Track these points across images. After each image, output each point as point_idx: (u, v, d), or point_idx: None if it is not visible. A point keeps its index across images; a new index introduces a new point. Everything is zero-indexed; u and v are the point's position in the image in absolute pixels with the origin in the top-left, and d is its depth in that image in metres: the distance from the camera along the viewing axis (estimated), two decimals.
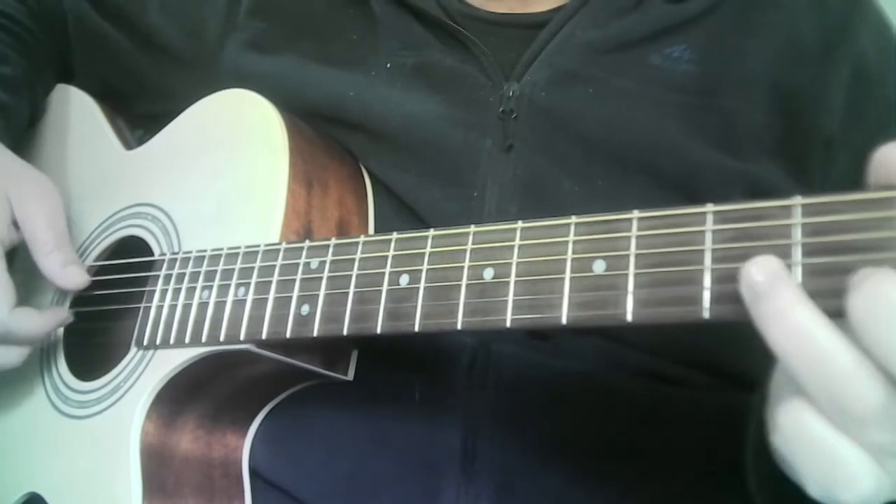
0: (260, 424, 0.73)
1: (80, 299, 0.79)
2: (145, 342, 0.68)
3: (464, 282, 0.53)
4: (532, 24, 0.75)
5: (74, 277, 0.75)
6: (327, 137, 0.75)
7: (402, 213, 0.73)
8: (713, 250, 0.45)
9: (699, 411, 0.69)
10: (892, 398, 0.37)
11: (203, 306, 0.65)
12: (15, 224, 0.74)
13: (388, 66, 0.76)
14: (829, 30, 0.73)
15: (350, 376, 0.69)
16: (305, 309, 0.60)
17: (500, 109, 0.72)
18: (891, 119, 0.72)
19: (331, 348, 0.67)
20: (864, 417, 0.38)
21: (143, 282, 0.72)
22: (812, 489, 0.40)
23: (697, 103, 0.71)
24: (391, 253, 0.57)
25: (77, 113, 0.91)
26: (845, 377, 0.38)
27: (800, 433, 0.39)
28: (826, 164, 0.72)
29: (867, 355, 0.38)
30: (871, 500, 0.39)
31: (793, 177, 0.71)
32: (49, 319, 0.74)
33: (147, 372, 0.68)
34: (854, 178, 0.70)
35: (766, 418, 0.44)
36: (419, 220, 0.72)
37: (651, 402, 0.69)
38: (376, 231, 0.73)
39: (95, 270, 0.79)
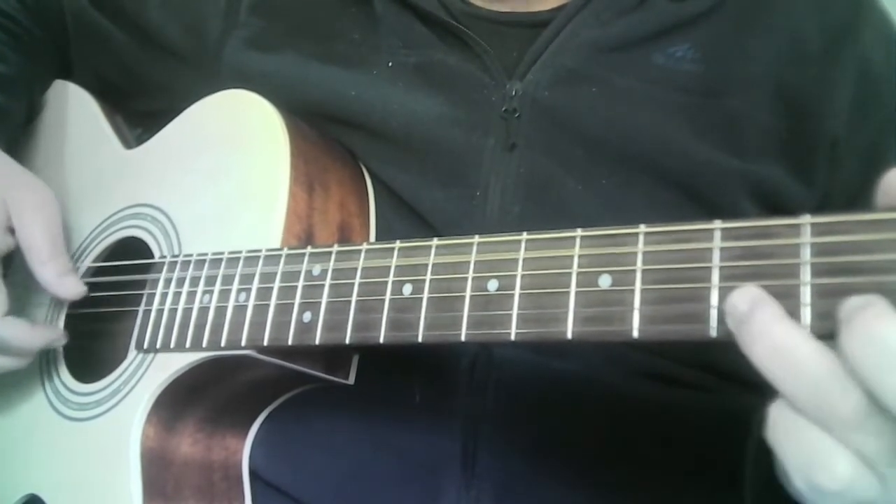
0: (260, 426, 0.73)
1: (80, 301, 0.78)
2: (145, 345, 0.68)
3: (468, 293, 0.53)
4: (535, 24, 0.75)
5: (71, 287, 0.74)
6: (328, 138, 0.75)
7: (403, 213, 0.73)
8: (721, 268, 0.44)
9: (702, 413, 0.69)
10: (872, 410, 0.38)
11: (204, 311, 0.65)
12: (11, 230, 0.74)
13: (390, 64, 0.76)
14: (833, 31, 0.72)
15: (351, 381, 0.68)
16: (307, 316, 0.59)
17: (503, 109, 0.71)
18: (895, 120, 0.72)
19: (332, 353, 0.66)
20: (846, 422, 0.39)
21: (143, 284, 0.71)
22: (794, 478, 0.41)
23: (701, 103, 0.71)
24: (394, 262, 0.57)
25: (75, 110, 0.90)
26: (824, 383, 0.39)
27: (784, 426, 0.41)
28: (831, 166, 0.71)
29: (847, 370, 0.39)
30: (850, 487, 0.40)
31: (797, 177, 0.71)
32: (40, 335, 0.74)
33: (147, 375, 0.68)
34: (860, 179, 0.70)
35: None
36: (420, 221, 0.72)
37: (653, 404, 0.69)
38: (377, 233, 0.73)
39: (94, 271, 0.78)
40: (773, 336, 0.41)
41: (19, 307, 0.74)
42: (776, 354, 0.41)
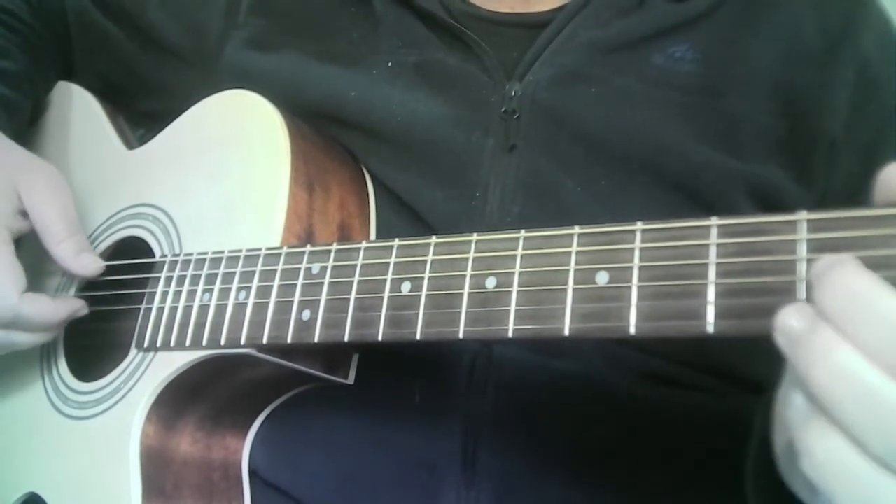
0: (260, 426, 0.73)
1: (81, 298, 0.78)
2: (145, 344, 0.68)
3: (466, 290, 0.53)
4: (534, 24, 0.75)
5: (89, 264, 0.75)
6: (328, 138, 0.75)
7: (403, 213, 0.73)
8: (717, 264, 0.44)
9: (701, 414, 0.69)
10: None
11: (204, 309, 0.65)
12: (23, 214, 0.74)
13: (390, 64, 0.76)
14: (832, 30, 0.73)
15: (350, 380, 0.68)
16: (307, 314, 0.59)
17: (503, 109, 0.71)
18: (894, 120, 0.72)
19: (332, 352, 0.67)
20: None
21: (143, 283, 0.71)
22: None
23: (700, 103, 0.71)
24: (393, 260, 0.57)
25: (78, 111, 0.91)
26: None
27: (841, 468, 0.37)
28: (830, 165, 0.71)
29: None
30: None
31: (796, 177, 0.71)
32: (62, 306, 0.73)
33: (147, 374, 0.68)
34: (858, 179, 0.71)
35: (776, 436, 0.43)
36: (420, 221, 0.72)
37: (652, 405, 0.69)
38: (377, 233, 0.73)
39: None
40: (837, 359, 0.36)
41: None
42: (841, 380, 0.36)
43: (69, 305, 0.75)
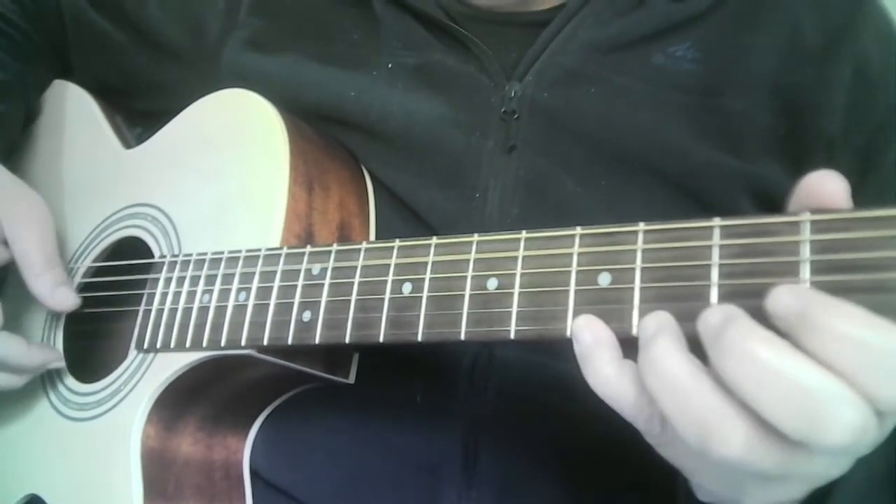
0: (261, 426, 0.73)
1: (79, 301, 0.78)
2: (145, 345, 0.68)
3: (467, 292, 0.53)
4: (534, 24, 0.75)
5: (64, 300, 0.74)
6: (328, 138, 0.75)
7: (403, 214, 0.73)
8: (720, 266, 0.44)
9: None
10: (755, 439, 0.39)
11: (203, 310, 0.65)
12: (5, 243, 0.74)
13: (390, 66, 0.76)
14: (832, 29, 0.72)
15: (351, 380, 0.68)
16: (307, 315, 0.59)
17: (502, 110, 0.71)
18: (892, 120, 0.72)
19: (332, 352, 0.67)
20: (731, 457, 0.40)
21: (143, 284, 0.71)
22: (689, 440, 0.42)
23: (700, 103, 0.71)
24: (393, 261, 0.57)
25: (74, 110, 0.90)
26: (711, 419, 0.40)
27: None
28: (828, 165, 0.71)
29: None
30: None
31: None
32: (36, 353, 0.73)
33: (147, 375, 0.68)
34: (856, 178, 0.70)
35: None
36: (420, 222, 0.72)
37: None
38: (377, 233, 0.73)
39: (94, 271, 0.78)
40: (664, 366, 0.42)
41: (15, 319, 0.74)
42: (662, 382, 0.42)
43: (44, 354, 0.74)
